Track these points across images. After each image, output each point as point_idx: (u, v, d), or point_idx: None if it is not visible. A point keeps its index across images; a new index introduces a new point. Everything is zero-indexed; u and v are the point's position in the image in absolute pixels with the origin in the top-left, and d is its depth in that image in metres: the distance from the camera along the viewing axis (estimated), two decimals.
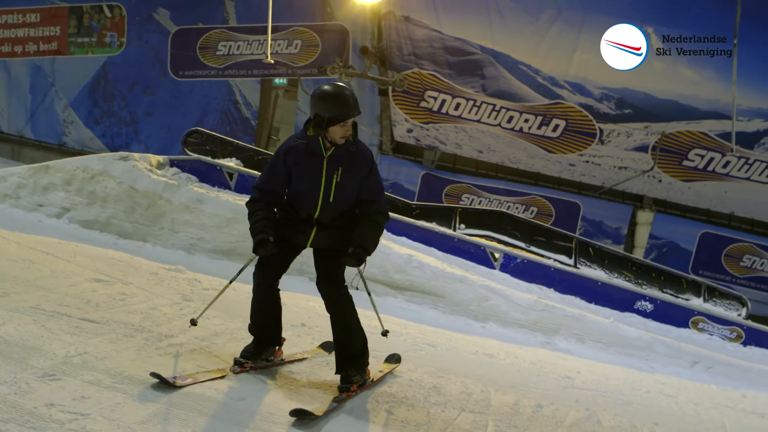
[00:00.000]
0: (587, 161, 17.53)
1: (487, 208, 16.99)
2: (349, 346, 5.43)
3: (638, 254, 16.95)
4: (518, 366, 7.89)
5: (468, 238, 11.37)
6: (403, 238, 10.90)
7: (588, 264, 11.59)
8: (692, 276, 13.79)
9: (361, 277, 5.58)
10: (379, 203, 5.43)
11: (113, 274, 7.38)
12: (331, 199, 5.28)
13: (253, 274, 5.41)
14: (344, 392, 5.28)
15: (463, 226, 11.86)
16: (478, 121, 17.59)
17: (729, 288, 13.68)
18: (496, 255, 11.05)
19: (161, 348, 5.42)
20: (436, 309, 9.63)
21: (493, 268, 10.90)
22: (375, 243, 5.40)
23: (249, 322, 5.57)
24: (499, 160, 18.08)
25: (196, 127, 13.78)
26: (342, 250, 5.30)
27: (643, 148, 17.14)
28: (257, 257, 5.35)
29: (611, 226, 17.63)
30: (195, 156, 11.93)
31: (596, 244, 12.43)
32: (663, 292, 11.42)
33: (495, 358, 8.00)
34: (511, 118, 17.41)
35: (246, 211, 5.47)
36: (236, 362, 5.34)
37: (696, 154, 16.95)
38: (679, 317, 10.81)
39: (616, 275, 11.50)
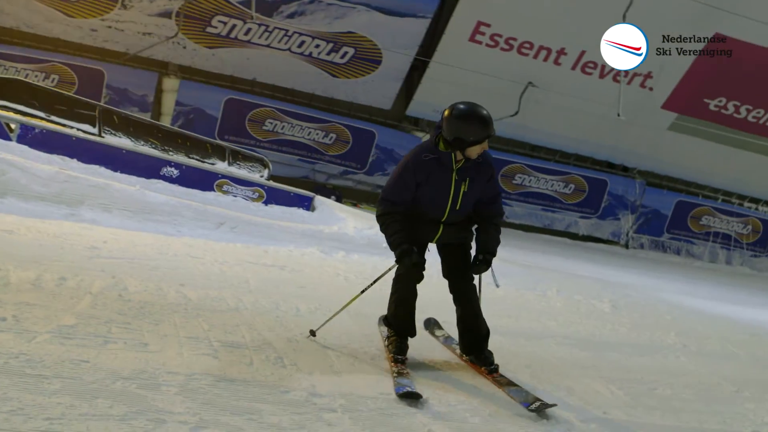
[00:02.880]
0: (110, 26, 16.90)
1: (1, 75, 15.70)
2: (480, 330, 5.77)
3: (165, 121, 17.00)
4: (40, 240, 7.52)
5: None
6: None
7: (113, 132, 11.28)
8: (218, 141, 14.16)
9: (493, 274, 5.86)
10: (497, 205, 5.78)
11: None
12: (457, 207, 5.56)
13: (398, 274, 5.68)
14: (495, 371, 5.64)
15: None
16: None
17: (252, 151, 14.28)
18: (12, 126, 10.28)
19: None
20: None
21: (10, 139, 10.14)
22: (498, 243, 5.76)
23: (388, 315, 5.80)
24: (14, 25, 16.70)
25: None
26: (464, 243, 5.80)
27: (166, 14, 16.93)
28: (396, 265, 5.61)
29: (137, 94, 17.35)
30: None
31: (121, 112, 12.11)
32: (189, 157, 11.55)
33: (15, 234, 7.53)
34: None
35: None
36: (396, 360, 5.49)
37: (219, 21, 17.15)
38: (204, 181, 11.04)
39: (142, 143, 11.36)
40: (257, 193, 11.34)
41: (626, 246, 22.13)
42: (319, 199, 12.13)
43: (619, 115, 16.72)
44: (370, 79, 18.75)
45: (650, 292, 12.80)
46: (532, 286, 9.65)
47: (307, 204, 11.68)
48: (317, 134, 19.01)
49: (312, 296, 7.38)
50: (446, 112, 5.36)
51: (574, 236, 21.69)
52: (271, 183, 11.89)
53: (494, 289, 6.12)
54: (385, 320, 5.88)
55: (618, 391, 6.02)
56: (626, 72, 17.26)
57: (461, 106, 5.36)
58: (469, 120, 5.32)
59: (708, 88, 19.94)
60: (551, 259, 14.05)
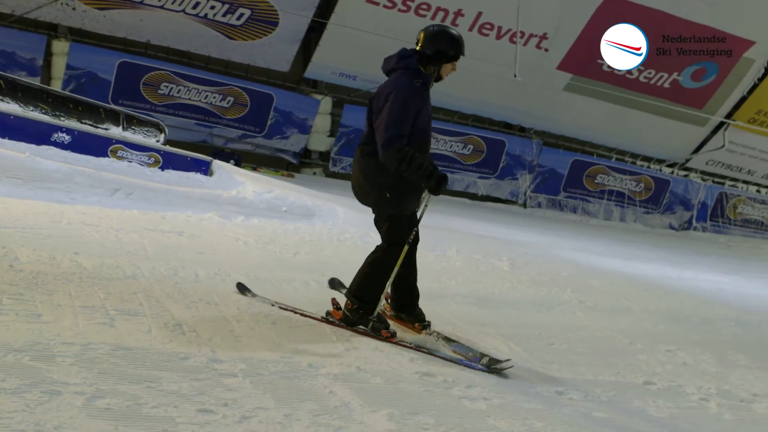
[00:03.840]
0: None
1: None
2: (416, 290, 6.09)
3: (56, 86, 16.43)
4: None
5: None
6: None
7: (0, 98, 10.86)
8: (111, 105, 13.78)
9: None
10: None
11: None
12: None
13: (393, 251, 5.69)
14: (427, 327, 5.92)
15: None
16: None
17: (148, 115, 13.95)
18: None
19: None
20: None
21: None
22: None
23: (361, 290, 5.72)
24: None
25: None
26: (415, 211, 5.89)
27: None
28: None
29: (25, 57, 16.65)
30: None
31: (9, 77, 11.65)
32: (82, 122, 11.23)
33: None
34: None
35: None
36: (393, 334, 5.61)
37: None
38: (98, 147, 10.72)
39: (31, 108, 10.97)
40: (153, 159, 11.09)
41: (524, 205, 22.53)
42: (217, 164, 11.96)
43: (515, 76, 16.95)
44: (267, 41, 18.46)
45: (548, 250, 13.11)
46: (432, 247, 9.74)
47: (204, 168, 11.49)
48: (214, 98, 18.66)
49: (211, 261, 7.32)
50: (422, 33, 5.65)
51: (474, 196, 21.96)
52: (168, 148, 11.63)
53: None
54: (358, 294, 5.76)
55: (516, 347, 6.17)
56: (522, 33, 17.47)
57: (435, 27, 5.79)
58: (448, 35, 5.68)
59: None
60: (451, 220, 14.19)
